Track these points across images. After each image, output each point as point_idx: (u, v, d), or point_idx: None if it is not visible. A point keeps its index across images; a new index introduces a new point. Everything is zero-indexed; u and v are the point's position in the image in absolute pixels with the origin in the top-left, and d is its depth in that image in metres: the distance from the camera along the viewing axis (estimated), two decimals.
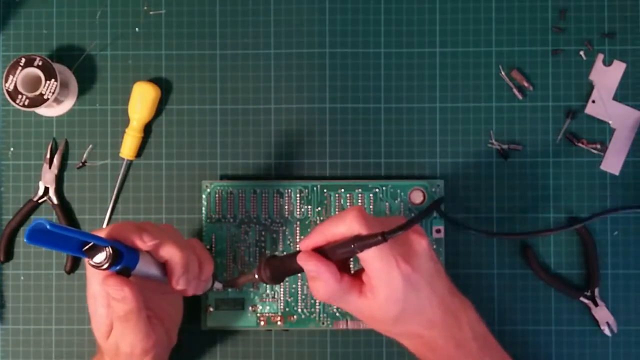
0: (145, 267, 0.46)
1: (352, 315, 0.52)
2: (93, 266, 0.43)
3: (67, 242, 0.42)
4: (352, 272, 0.49)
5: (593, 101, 0.58)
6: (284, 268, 0.50)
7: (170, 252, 0.46)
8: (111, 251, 0.43)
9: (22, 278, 0.59)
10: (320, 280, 0.46)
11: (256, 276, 0.51)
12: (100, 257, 0.43)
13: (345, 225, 0.45)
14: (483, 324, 0.50)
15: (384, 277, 0.45)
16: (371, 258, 0.45)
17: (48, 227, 0.39)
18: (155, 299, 0.50)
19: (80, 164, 0.59)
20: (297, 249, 0.49)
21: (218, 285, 0.53)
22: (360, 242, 0.44)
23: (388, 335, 0.51)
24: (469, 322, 0.49)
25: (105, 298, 0.46)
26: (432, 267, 0.47)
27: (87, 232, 0.44)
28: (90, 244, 0.43)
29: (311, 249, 0.47)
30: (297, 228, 0.57)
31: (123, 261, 0.44)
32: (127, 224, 0.46)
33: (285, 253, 0.57)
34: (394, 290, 0.45)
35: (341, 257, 0.46)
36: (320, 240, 0.46)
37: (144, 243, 0.45)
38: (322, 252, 0.46)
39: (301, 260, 0.46)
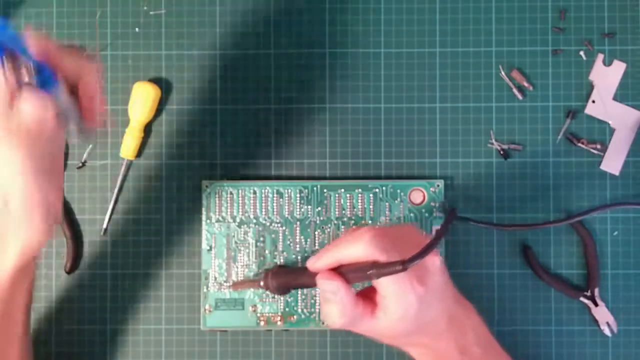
0: (61, 93, 0.40)
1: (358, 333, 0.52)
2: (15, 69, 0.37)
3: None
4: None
5: (593, 101, 0.58)
6: (291, 282, 0.50)
7: (92, 73, 0.42)
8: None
9: None
10: (336, 303, 0.44)
11: (261, 283, 0.51)
12: (22, 66, 0.37)
13: (359, 249, 0.43)
14: (485, 327, 0.50)
15: (400, 300, 0.44)
16: (388, 282, 0.44)
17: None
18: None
19: (80, 164, 0.59)
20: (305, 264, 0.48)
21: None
22: (379, 269, 0.42)
23: (392, 345, 0.51)
24: (472, 328, 0.49)
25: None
26: (442, 282, 0.47)
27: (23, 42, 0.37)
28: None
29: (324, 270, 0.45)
30: (297, 228, 0.57)
31: (43, 76, 0.38)
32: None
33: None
34: (408, 310, 0.44)
35: (354, 281, 0.45)
36: (332, 262, 0.45)
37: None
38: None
39: (321, 280, 0.45)
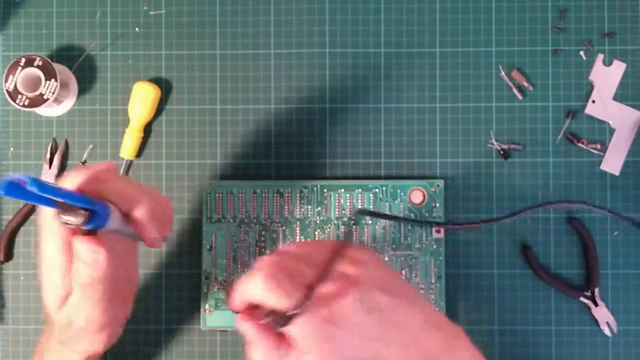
0: (113, 222, 0.41)
1: None
2: (65, 223, 0.39)
3: (43, 197, 0.37)
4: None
5: (593, 101, 0.58)
6: None
7: (140, 206, 0.42)
8: (88, 212, 0.38)
9: (22, 278, 0.59)
10: (256, 346, 0.40)
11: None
12: (72, 216, 0.38)
13: (255, 293, 0.39)
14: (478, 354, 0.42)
15: (309, 345, 0.39)
16: (294, 333, 0.39)
17: (36, 190, 0.35)
18: (114, 262, 0.43)
19: (80, 164, 0.59)
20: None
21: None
22: (274, 318, 0.38)
23: None
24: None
25: (63, 264, 0.41)
26: (363, 320, 0.39)
27: (67, 190, 0.39)
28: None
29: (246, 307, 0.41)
30: (297, 228, 0.57)
31: (96, 220, 0.39)
32: (103, 178, 0.41)
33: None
34: (324, 355, 0.39)
35: (270, 323, 0.39)
36: (240, 303, 0.41)
37: (125, 205, 0.41)
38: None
39: (238, 323, 0.40)
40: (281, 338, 0.39)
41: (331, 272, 0.39)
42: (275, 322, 0.38)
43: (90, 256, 0.40)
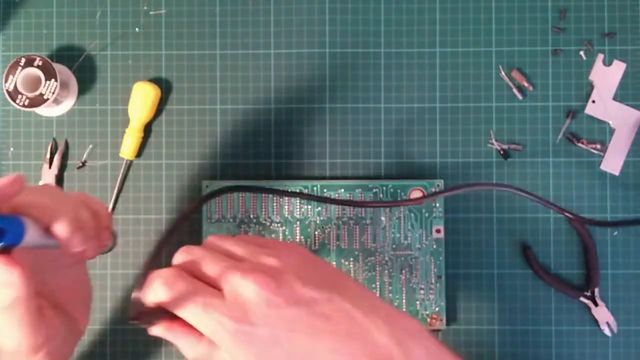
0: (31, 237, 0.37)
1: None
2: None
3: None
4: None
5: (593, 101, 0.58)
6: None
7: (60, 219, 0.38)
8: None
9: None
10: (178, 340, 0.38)
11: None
12: None
13: (152, 296, 0.37)
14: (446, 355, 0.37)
15: (221, 340, 0.36)
16: (204, 332, 0.37)
17: None
18: (51, 278, 0.41)
19: (80, 164, 0.59)
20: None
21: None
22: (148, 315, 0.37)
23: None
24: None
25: None
26: (301, 315, 0.36)
27: None
28: None
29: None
30: (297, 228, 0.57)
31: (6, 237, 0.35)
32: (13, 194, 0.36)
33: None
34: (239, 351, 0.36)
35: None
36: (151, 303, 0.38)
37: (40, 219, 0.37)
38: None
39: (156, 330, 0.38)
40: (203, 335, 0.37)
41: (245, 264, 0.37)
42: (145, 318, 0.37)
43: (2, 276, 0.36)
